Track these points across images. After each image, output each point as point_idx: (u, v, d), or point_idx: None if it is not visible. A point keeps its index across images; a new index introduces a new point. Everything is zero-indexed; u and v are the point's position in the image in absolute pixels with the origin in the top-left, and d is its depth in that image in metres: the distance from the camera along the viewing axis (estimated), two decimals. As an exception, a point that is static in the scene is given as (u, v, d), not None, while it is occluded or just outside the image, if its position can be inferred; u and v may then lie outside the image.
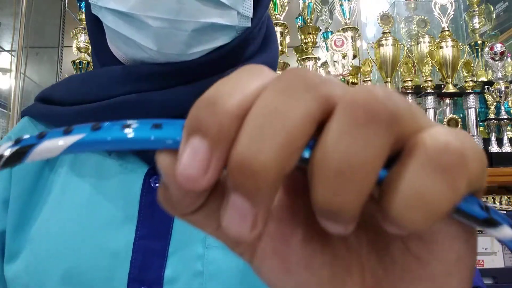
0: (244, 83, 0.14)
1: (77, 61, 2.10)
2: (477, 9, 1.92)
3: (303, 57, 1.93)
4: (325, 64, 1.94)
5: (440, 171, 0.13)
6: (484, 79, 1.82)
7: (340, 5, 1.88)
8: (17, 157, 0.15)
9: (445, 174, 0.13)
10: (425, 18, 1.90)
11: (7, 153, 0.15)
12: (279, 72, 0.15)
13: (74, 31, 2.12)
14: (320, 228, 0.16)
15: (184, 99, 0.39)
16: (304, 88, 0.14)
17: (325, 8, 1.97)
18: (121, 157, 0.42)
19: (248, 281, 0.37)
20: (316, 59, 1.94)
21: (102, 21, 0.42)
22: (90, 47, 2.11)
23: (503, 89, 1.64)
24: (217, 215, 0.16)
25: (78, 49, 2.10)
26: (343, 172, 0.13)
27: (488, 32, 2.05)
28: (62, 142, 0.15)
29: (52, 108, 0.44)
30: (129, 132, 0.14)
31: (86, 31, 2.08)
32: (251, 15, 0.42)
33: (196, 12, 0.37)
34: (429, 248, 0.16)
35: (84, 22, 2.11)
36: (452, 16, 1.72)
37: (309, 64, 1.90)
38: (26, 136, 0.15)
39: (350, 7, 1.88)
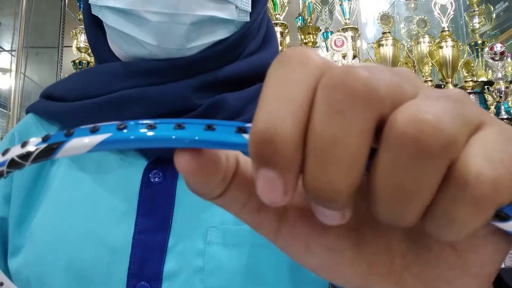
0: (290, 95, 0.14)
1: (77, 61, 2.10)
2: (477, 9, 1.92)
3: (303, 57, 1.93)
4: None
5: (469, 204, 0.14)
6: (484, 79, 1.82)
7: (340, 5, 1.88)
8: (46, 153, 0.16)
9: (474, 206, 0.14)
10: (425, 18, 1.90)
11: (34, 149, 0.16)
12: (318, 57, 0.16)
13: (74, 31, 2.12)
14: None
15: (182, 93, 0.40)
16: (358, 104, 0.14)
17: (325, 8, 1.97)
18: (121, 152, 0.42)
19: (250, 278, 0.37)
20: (316, 59, 1.94)
21: (102, 21, 0.42)
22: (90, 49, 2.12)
23: (503, 89, 1.64)
24: (238, 199, 0.18)
25: (78, 49, 2.11)
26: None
27: (488, 32, 2.05)
28: (89, 140, 0.15)
29: (54, 104, 0.45)
30: (153, 131, 0.15)
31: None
32: (249, 10, 0.43)
33: (194, 5, 0.38)
34: (469, 241, 0.17)
35: (84, 22, 2.11)
36: (452, 16, 1.72)
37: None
38: (52, 134, 0.16)
39: (350, 7, 1.88)
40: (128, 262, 0.37)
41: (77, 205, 0.41)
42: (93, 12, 0.43)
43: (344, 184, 0.14)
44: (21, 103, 2.07)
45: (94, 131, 0.16)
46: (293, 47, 0.16)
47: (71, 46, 2.20)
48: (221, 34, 0.42)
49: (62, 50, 2.48)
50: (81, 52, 2.10)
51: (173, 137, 0.15)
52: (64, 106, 0.43)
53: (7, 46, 3.90)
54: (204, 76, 0.41)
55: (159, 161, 0.41)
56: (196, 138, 0.15)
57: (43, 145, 0.16)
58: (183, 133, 0.15)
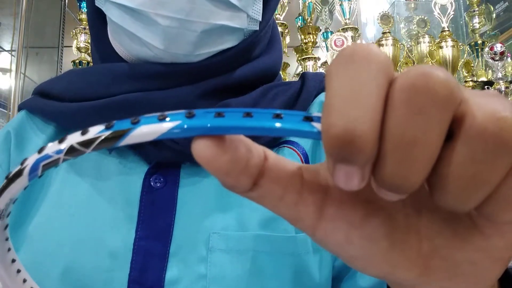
0: (362, 96, 0.15)
1: (77, 61, 2.10)
2: (477, 9, 1.92)
3: (303, 57, 1.94)
4: (325, 64, 1.94)
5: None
6: (484, 79, 1.82)
7: (340, 5, 1.88)
8: (111, 140, 0.16)
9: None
10: (425, 18, 1.90)
11: (98, 136, 0.16)
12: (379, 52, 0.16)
13: (74, 31, 2.13)
14: (380, 204, 0.18)
15: (185, 99, 0.39)
16: (437, 106, 0.15)
17: (325, 8, 1.97)
18: (121, 156, 0.41)
19: (252, 286, 0.36)
20: (316, 59, 1.94)
21: (105, 14, 0.41)
22: (90, 47, 2.11)
23: (503, 89, 1.64)
24: (273, 194, 0.18)
25: (78, 49, 2.11)
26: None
27: (488, 32, 2.05)
28: (157, 127, 0.15)
29: (51, 103, 0.43)
30: (222, 120, 0.15)
31: (86, 31, 2.08)
32: (260, 19, 0.42)
33: (207, 13, 0.38)
34: (497, 226, 0.18)
35: (84, 22, 2.11)
36: (452, 16, 1.72)
37: (309, 64, 1.90)
38: (115, 121, 0.16)
39: (350, 7, 1.88)
40: (128, 269, 0.37)
41: (76, 210, 0.40)
42: (96, 4, 0.41)
43: (419, 178, 0.15)
44: (21, 103, 2.07)
45: (162, 119, 0.16)
46: (354, 44, 0.17)
47: (71, 46, 2.20)
48: (230, 42, 0.41)
49: (62, 50, 2.49)
50: (81, 52, 2.11)
51: (243, 125, 0.15)
52: (61, 106, 0.42)
53: (7, 46, 3.90)
54: (208, 82, 0.40)
55: (160, 165, 0.40)
56: (266, 126, 0.16)
57: (108, 132, 0.16)
58: (252, 122, 0.16)
